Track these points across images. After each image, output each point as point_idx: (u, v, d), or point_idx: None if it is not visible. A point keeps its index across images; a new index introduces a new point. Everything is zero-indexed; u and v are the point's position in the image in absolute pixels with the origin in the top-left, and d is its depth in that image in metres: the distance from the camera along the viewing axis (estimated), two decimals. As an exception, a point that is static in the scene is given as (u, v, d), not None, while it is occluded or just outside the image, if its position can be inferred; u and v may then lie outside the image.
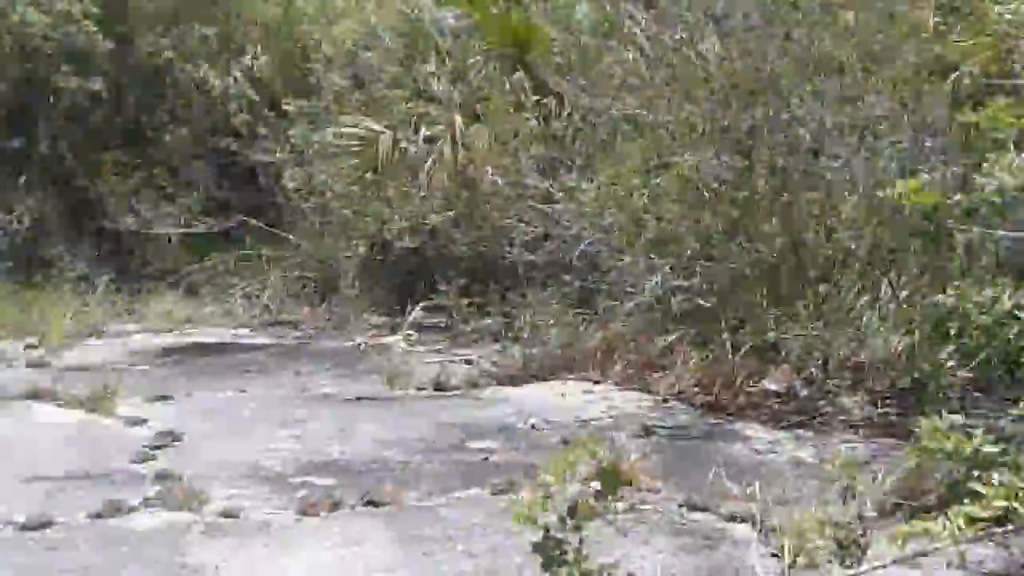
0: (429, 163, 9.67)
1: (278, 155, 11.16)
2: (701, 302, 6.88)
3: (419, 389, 7.42)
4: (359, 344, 9.26)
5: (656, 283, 6.98)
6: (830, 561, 3.77)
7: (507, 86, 9.72)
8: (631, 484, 4.72)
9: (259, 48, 12.11)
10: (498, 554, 4.22)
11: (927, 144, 6.68)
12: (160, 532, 4.53)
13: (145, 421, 6.50)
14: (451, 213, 9.59)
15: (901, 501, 4.42)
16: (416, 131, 10.19)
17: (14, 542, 4.42)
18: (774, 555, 4.02)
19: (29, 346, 9.16)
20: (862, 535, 3.74)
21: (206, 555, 4.23)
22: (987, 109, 4.46)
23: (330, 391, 7.50)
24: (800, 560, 3.85)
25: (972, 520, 3.39)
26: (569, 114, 8.78)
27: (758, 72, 6.83)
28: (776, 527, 4.13)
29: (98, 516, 4.70)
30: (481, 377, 7.62)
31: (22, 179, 11.75)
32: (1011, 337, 4.27)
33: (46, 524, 4.58)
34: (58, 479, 5.32)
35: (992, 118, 4.38)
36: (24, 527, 4.55)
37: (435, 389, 7.36)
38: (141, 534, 4.51)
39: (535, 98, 9.28)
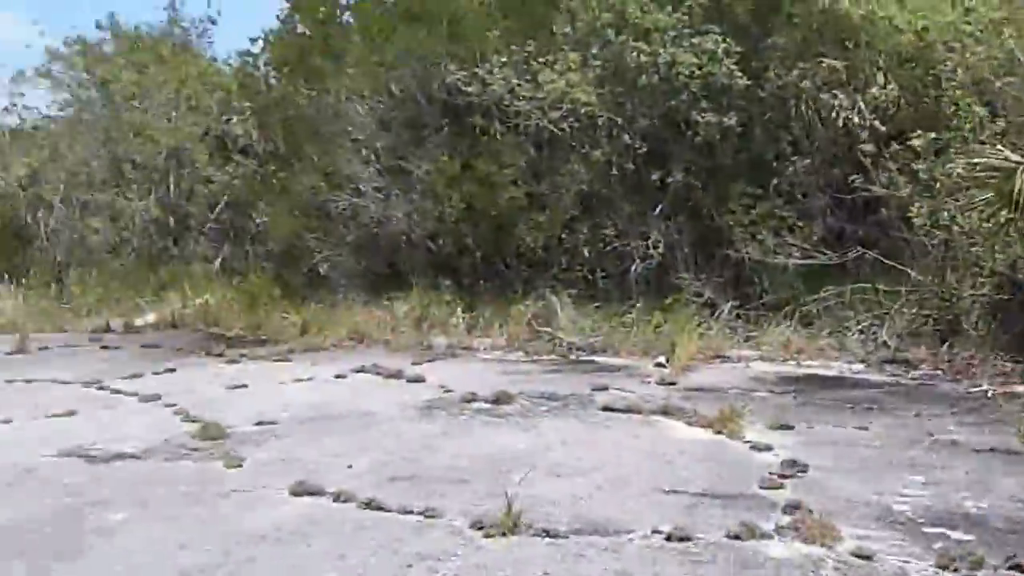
0: None
1: (903, 188, 10.75)
2: None
3: None
4: (986, 391, 8.66)
5: None
6: None
7: None
8: None
9: (887, 77, 11.75)
10: None
11: None
12: (793, 563, 4.65)
13: (769, 448, 6.67)
14: None
15: None
16: None
17: (661, 551, 4.82)
18: None
19: (658, 364, 9.90)
20: None
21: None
22: None
23: (958, 439, 7.11)
24: None
25: None
26: None
27: None
28: None
29: (735, 537, 4.94)
30: None
31: (657, 209, 12.57)
32: None
33: (686, 538, 4.92)
34: (693, 495, 5.68)
35: None
36: (668, 537, 4.94)
37: None
38: (775, 561, 4.67)
39: None
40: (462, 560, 4.69)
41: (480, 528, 5.04)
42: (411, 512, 5.35)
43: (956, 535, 5.02)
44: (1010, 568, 4.52)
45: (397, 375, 9.58)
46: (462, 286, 12.93)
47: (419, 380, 9.31)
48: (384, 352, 11.07)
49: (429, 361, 10.44)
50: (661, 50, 12.03)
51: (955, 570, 4.52)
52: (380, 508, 5.44)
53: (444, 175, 13.13)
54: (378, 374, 9.71)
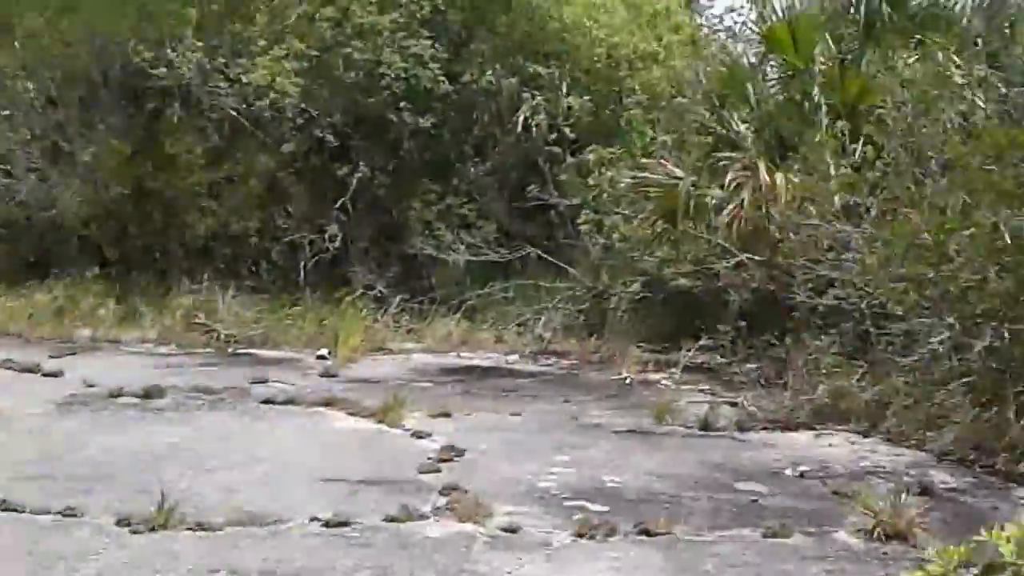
0: (728, 209, 9.38)
1: (575, 195, 11.37)
2: (989, 363, 6.62)
3: (685, 426, 7.58)
4: (626, 379, 9.33)
5: (939, 339, 6.87)
6: None
7: (822, 134, 9.24)
8: (906, 540, 5.29)
9: (570, 88, 12.31)
10: (773, 594, 4.50)
11: None
12: (448, 540, 4.85)
13: (429, 435, 6.95)
14: (738, 258, 9.32)
15: None
16: (716, 177, 9.76)
17: (319, 537, 4.89)
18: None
19: (320, 357, 9.95)
20: None
21: (491, 566, 4.54)
22: None
23: (600, 422, 7.70)
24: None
25: None
26: (883, 162, 8.38)
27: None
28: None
29: (392, 520, 5.07)
30: (748, 420, 7.66)
31: (339, 203, 12.54)
32: None
33: (345, 523, 4.98)
34: (354, 483, 5.77)
35: None
36: (327, 524, 5.00)
37: (701, 428, 7.49)
38: (432, 540, 4.84)
39: (853, 146, 8.89)
40: (107, 557, 4.54)
41: (127, 525, 4.86)
42: (49, 512, 5.09)
43: (595, 507, 5.48)
44: (639, 532, 5.05)
45: (33, 369, 8.96)
46: (115, 275, 12.32)
47: (57, 374, 8.80)
48: (19, 345, 10.19)
49: (70, 355, 9.77)
50: (375, 50, 12.26)
51: (592, 537, 4.96)
52: (13, 509, 5.13)
53: (111, 158, 12.53)
54: (10, 368, 9.03)
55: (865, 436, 7.31)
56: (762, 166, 9.58)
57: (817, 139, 9.39)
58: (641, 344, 10.23)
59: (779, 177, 9.42)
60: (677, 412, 7.87)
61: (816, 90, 10.05)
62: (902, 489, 5.53)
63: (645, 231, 10.59)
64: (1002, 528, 2.88)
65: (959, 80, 7.78)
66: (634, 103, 12.13)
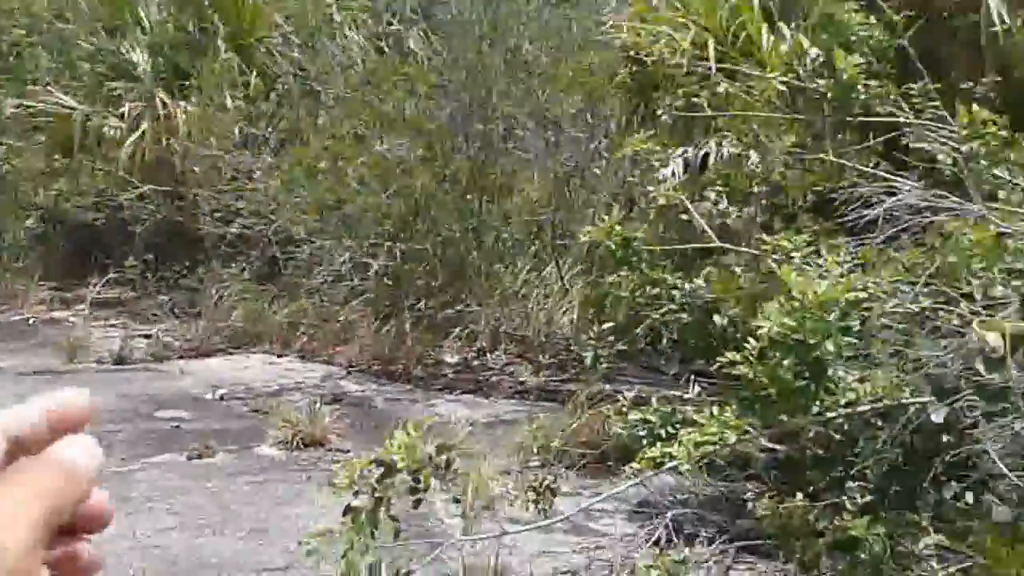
0: (130, 140, 9.38)
1: None
2: (385, 280, 7.41)
3: (99, 362, 7.56)
4: (28, 318, 9.14)
5: (342, 261, 7.50)
6: (511, 504, 4.42)
7: (217, 65, 9.42)
8: (323, 445, 5.63)
9: None
10: (200, 511, 4.69)
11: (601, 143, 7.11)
12: None
13: None
14: (141, 189, 9.19)
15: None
16: (113, 106, 9.73)
17: None
18: (456, 500, 4.49)
19: None
20: (553, 483, 4.28)
21: None
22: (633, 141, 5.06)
23: (2, 365, 7.38)
24: (479, 503, 4.46)
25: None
26: (277, 93, 8.85)
27: (461, 65, 7.32)
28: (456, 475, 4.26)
29: None
30: (164, 350, 7.85)
31: None
32: (655, 317, 4.63)
33: None
34: None
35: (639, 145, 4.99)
36: None
37: (116, 363, 7.53)
38: None
39: (244, 78, 9.24)
40: None
41: None
42: None
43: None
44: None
45: None
46: None
47: None
48: None
49: None
50: None
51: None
52: None
53: None
54: None
55: (280, 356, 7.75)
56: (160, 96, 9.39)
57: (211, 69, 9.36)
58: (43, 282, 9.71)
59: (178, 108, 9.30)
60: (89, 349, 7.76)
61: (214, 19, 9.89)
62: (316, 400, 6.06)
63: (38, 163, 9.92)
64: (398, 431, 3.40)
65: (337, 17, 8.30)
66: (12, 25, 11.02)
